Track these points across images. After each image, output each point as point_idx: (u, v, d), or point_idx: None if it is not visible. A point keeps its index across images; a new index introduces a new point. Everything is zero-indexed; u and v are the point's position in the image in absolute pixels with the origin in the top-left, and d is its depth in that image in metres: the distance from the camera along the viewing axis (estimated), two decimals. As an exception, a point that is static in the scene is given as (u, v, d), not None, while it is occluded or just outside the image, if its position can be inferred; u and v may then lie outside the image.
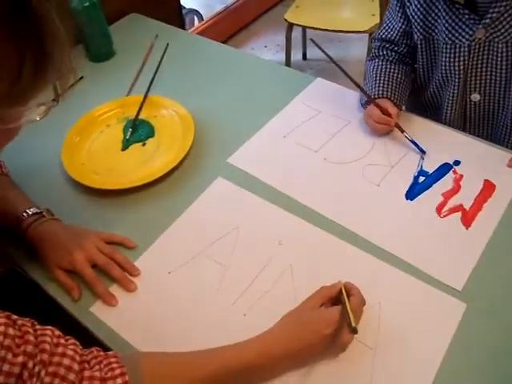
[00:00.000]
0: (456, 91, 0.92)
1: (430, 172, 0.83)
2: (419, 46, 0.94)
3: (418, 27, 0.91)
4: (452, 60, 0.89)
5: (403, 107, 0.95)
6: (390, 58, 0.97)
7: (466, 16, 0.83)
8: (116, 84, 1.08)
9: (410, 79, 0.99)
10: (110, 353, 0.55)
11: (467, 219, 0.76)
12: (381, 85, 0.92)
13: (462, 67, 0.88)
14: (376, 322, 0.64)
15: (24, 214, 0.74)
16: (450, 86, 0.93)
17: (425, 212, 0.77)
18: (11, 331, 0.47)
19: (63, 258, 0.71)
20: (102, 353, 0.54)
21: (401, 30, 0.96)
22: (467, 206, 0.77)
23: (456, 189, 0.80)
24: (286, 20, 1.92)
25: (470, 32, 0.84)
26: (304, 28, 2.22)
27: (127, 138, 0.92)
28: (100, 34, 1.13)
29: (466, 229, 0.74)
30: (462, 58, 0.88)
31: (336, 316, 0.59)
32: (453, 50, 0.88)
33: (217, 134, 0.94)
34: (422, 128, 0.91)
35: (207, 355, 0.59)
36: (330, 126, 0.94)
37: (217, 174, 0.86)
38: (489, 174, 0.82)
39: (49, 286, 0.72)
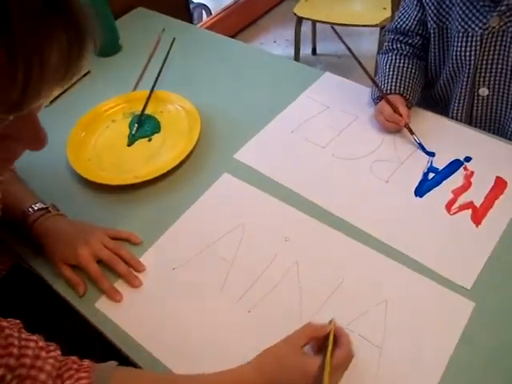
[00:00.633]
0: (465, 84, 0.91)
1: (440, 168, 0.82)
2: (432, 36, 0.92)
3: (432, 15, 0.89)
4: (463, 49, 0.87)
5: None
6: (404, 52, 0.95)
7: (481, 3, 0.82)
8: (122, 79, 1.07)
9: (423, 74, 0.97)
10: (83, 365, 0.54)
11: (477, 217, 0.74)
12: (393, 80, 0.90)
13: (472, 57, 0.87)
14: (383, 320, 0.63)
15: (30, 209, 0.74)
16: (459, 78, 0.92)
17: (434, 209, 0.76)
18: None
19: (68, 254, 0.71)
20: (75, 365, 0.54)
21: (416, 19, 0.94)
22: (478, 204, 0.76)
23: (466, 186, 0.79)
24: (295, 14, 1.90)
25: (484, 20, 0.82)
26: (314, 22, 2.20)
27: (133, 133, 0.92)
28: (106, 29, 1.12)
29: (476, 226, 0.73)
30: (473, 48, 0.86)
31: (312, 369, 0.53)
32: (465, 39, 0.86)
33: (223, 130, 0.93)
34: (433, 123, 0.90)
35: (177, 382, 0.58)
36: (338, 122, 0.92)
37: (223, 169, 0.86)
38: (500, 171, 0.80)
39: (54, 281, 0.72)
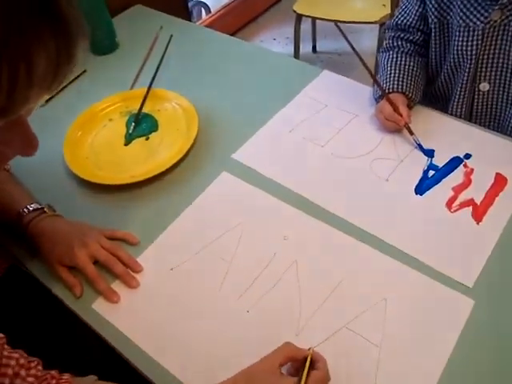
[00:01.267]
0: (466, 79, 0.90)
1: (440, 166, 0.81)
2: (433, 31, 0.91)
3: (433, 10, 0.88)
4: (464, 44, 0.86)
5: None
6: (405, 50, 0.94)
7: None
8: (119, 77, 1.06)
9: (425, 72, 0.96)
10: (63, 378, 0.54)
11: (478, 214, 0.73)
12: (395, 78, 0.89)
13: (474, 52, 0.86)
14: (382, 319, 0.62)
15: (25, 209, 0.73)
16: (460, 73, 0.91)
17: (435, 207, 0.75)
18: None
19: (65, 255, 0.70)
20: (54, 380, 0.54)
21: (417, 14, 0.93)
22: (478, 201, 0.75)
23: (467, 183, 0.78)
24: (294, 11, 1.89)
25: (486, 14, 0.82)
26: (313, 20, 2.19)
27: (130, 132, 0.91)
28: (103, 27, 1.11)
29: (477, 224, 0.72)
30: (474, 42, 0.85)
31: None
32: (466, 34, 0.85)
33: (221, 128, 0.93)
34: (432, 120, 0.89)
35: None
36: (336, 120, 0.91)
37: (221, 168, 0.85)
38: (500, 167, 0.79)
39: (50, 282, 0.71)
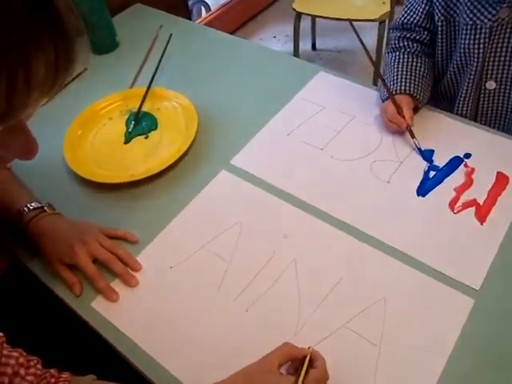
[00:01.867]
0: (472, 78, 0.89)
1: (441, 166, 0.80)
2: (439, 29, 0.91)
3: (440, 8, 0.88)
4: (472, 42, 0.85)
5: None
6: (412, 50, 0.93)
7: None
8: (119, 76, 1.06)
9: (432, 73, 0.95)
10: (62, 377, 0.54)
11: (481, 214, 0.73)
12: (402, 79, 0.88)
13: (481, 50, 0.85)
14: (381, 318, 0.63)
15: (25, 208, 0.73)
16: (466, 71, 0.90)
17: (437, 208, 0.75)
18: None
19: (64, 253, 0.70)
20: (53, 379, 0.54)
21: (424, 12, 0.92)
22: (481, 201, 0.75)
23: (468, 183, 0.78)
24: (293, 9, 1.89)
25: (493, 12, 0.81)
26: (313, 17, 2.19)
27: (130, 130, 0.91)
28: (103, 26, 1.11)
29: (481, 224, 0.72)
30: (482, 41, 0.84)
31: None
32: (473, 32, 0.84)
33: (221, 127, 0.93)
34: (430, 119, 0.89)
35: None
36: (335, 122, 0.90)
37: (221, 167, 0.85)
38: (501, 166, 0.79)
39: (50, 281, 0.72)
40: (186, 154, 0.86)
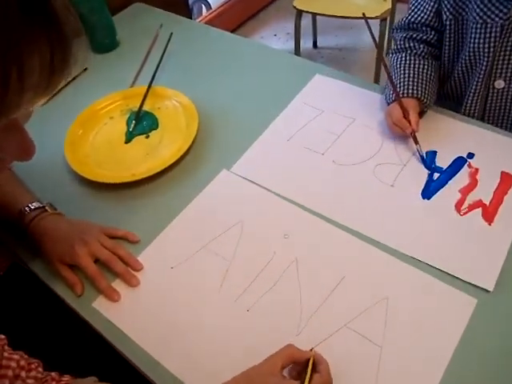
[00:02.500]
0: (481, 77, 0.88)
1: (444, 168, 0.80)
2: (447, 28, 0.89)
3: (448, 6, 0.87)
4: (482, 41, 0.84)
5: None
6: (419, 52, 0.92)
7: None
8: (120, 75, 1.06)
9: (438, 75, 0.94)
10: (63, 380, 0.54)
11: (489, 215, 0.72)
12: (409, 82, 0.86)
13: (491, 49, 0.84)
14: (383, 318, 0.62)
15: (26, 208, 0.73)
16: (475, 71, 0.89)
17: (444, 211, 0.74)
18: None
19: (65, 253, 0.70)
20: (54, 382, 0.53)
21: (433, 10, 0.91)
22: (487, 201, 0.74)
23: (473, 184, 0.77)
24: (294, 7, 1.88)
25: (505, 10, 0.80)
26: (314, 15, 2.18)
27: (130, 130, 0.91)
28: (103, 25, 1.11)
29: (489, 225, 0.71)
30: (492, 39, 0.83)
31: None
32: (483, 31, 0.83)
33: (222, 126, 0.92)
34: (432, 119, 0.88)
35: None
36: (334, 126, 0.89)
37: (221, 166, 0.85)
38: (505, 165, 0.78)
39: (51, 281, 0.72)
40: (186, 153, 0.86)
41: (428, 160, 0.81)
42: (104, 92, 0.99)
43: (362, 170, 0.82)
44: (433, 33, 0.93)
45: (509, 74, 0.87)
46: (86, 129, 0.93)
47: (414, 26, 0.94)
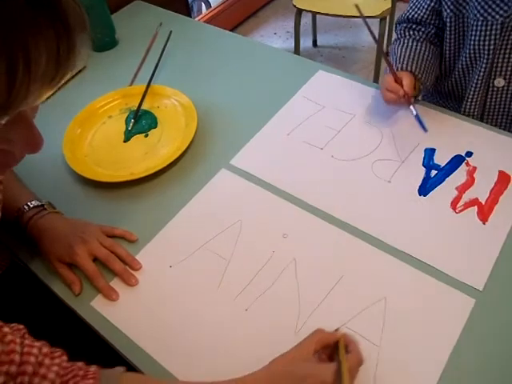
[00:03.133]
0: (482, 75, 0.88)
1: (442, 165, 0.80)
2: (448, 25, 0.90)
3: (449, 3, 0.87)
4: (482, 38, 0.85)
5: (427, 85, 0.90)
6: (417, 37, 0.93)
7: None
8: (119, 74, 1.06)
9: (437, 60, 0.94)
10: (90, 371, 0.52)
11: (484, 213, 0.73)
12: (404, 59, 0.87)
13: (491, 46, 0.85)
14: (381, 318, 0.62)
15: (25, 206, 0.73)
16: (475, 68, 0.89)
17: (439, 208, 0.74)
18: None
19: (64, 252, 0.70)
20: (81, 372, 0.52)
21: (429, 8, 0.92)
22: (483, 200, 0.74)
23: (470, 182, 0.77)
24: (294, 6, 1.88)
25: (505, 7, 0.80)
26: (314, 14, 2.18)
27: (129, 129, 0.91)
28: (102, 23, 1.11)
29: (483, 223, 0.71)
30: (492, 37, 0.84)
31: (330, 375, 0.51)
32: (484, 28, 0.83)
33: (221, 125, 0.92)
34: (432, 118, 0.88)
35: None
36: (334, 121, 0.90)
37: (220, 165, 0.85)
38: (503, 165, 0.79)
39: (49, 279, 0.72)
40: (185, 152, 0.86)
41: (426, 157, 0.82)
42: (103, 91, 0.98)
43: (360, 165, 0.82)
44: (431, 27, 0.94)
45: (509, 73, 0.87)
46: (84, 128, 0.92)
47: (413, 21, 0.95)
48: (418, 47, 0.90)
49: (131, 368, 0.62)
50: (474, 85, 0.91)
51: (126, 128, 0.92)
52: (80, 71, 1.06)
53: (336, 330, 0.58)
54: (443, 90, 1.01)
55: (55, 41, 0.33)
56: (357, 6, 0.88)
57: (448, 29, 0.91)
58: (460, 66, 0.93)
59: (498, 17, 0.81)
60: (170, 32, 1.11)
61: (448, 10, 0.88)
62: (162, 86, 0.99)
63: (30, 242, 0.73)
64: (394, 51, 0.93)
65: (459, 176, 0.78)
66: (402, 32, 0.96)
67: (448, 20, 0.89)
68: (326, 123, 0.90)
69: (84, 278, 0.70)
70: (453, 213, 0.73)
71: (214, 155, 0.87)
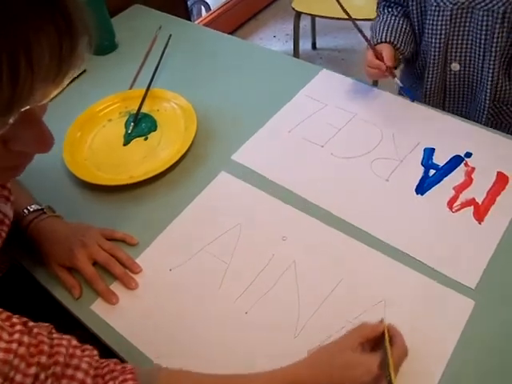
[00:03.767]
0: (437, 58, 0.93)
1: (441, 165, 0.80)
2: (412, 11, 0.95)
3: None
4: (435, 23, 0.89)
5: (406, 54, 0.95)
6: (395, 13, 0.98)
7: None
8: (118, 77, 1.06)
9: (413, 32, 0.98)
10: (127, 367, 0.52)
11: (480, 214, 0.73)
12: (381, 32, 0.93)
13: (443, 32, 0.89)
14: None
15: (25, 210, 0.74)
16: (432, 52, 0.93)
17: (436, 207, 0.75)
18: (26, 339, 0.45)
19: (64, 255, 0.70)
20: (119, 367, 0.51)
21: None
22: (480, 200, 0.75)
23: (468, 182, 0.78)
24: (293, 8, 1.88)
25: None
26: (313, 17, 2.18)
27: (129, 132, 0.91)
28: (102, 27, 1.11)
29: (479, 223, 0.72)
30: (443, 23, 0.88)
31: (376, 365, 0.52)
32: (436, 13, 0.88)
33: (220, 128, 0.93)
34: (432, 118, 0.88)
35: (230, 381, 0.55)
36: (336, 120, 0.91)
37: (220, 168, 0.85)
38: (502, 166, 0.79)
39: (49, 283, 0.72)
40: (185, 155, 0.86)
41: (425, 157, 0.82)
42: (103, 94, 0.99)
43: (360, 163, 0.83)
44: (408, 6, 0.98)
45: (463, 58, 0.92)
46: (84, 131, 0.93)
47: (390, 0, 1.01)
48: (396, 21, 0.95)
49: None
50: (430, 66, 0.95)
51: (126, 131, 0.92)
52: (80, 74, 1.06)
53: (381, 320, 0.58)
54: (413, 70, 1.05)
55: (57, 37, 0.33)
56: (344, 10, 0.95)
57: (413, 13, 0.95)
58: (422, 49, 0.97)
59: (448, 4, 0.86)
60: (170, 35, 1.12)
61: None
62: (161, 89, 0.99)
63: (29, 245, 0.73)
64: (374, 28, 0.98)
65: (457, 176, 0.79)
66: (381, 10, 1.01)
67: (412, 4, 0.94)
68: (328, 121, 0.91)
69: (84, 281, 0.70)
70: (449, 212, 0.74)
71: (214, 158, 0.87)
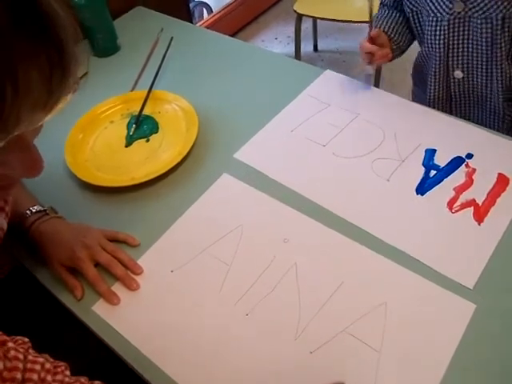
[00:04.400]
0: (438, 66, 0.93)
1: (442, 166, 0.81)
2: (410, 19, 0.96)
3: (407, 1, 0.94)
4: (433, 33, 0.90)
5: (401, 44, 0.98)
6: (392, 9, 1.00)
7: None
8: (120, 79, 1.07)
9: (408, 25, 1.00)
10: None
11: (479, 215, 0.73)
12: (378, 23, 0.96)
13: (442, 41, 0.89)
14: (382, 323, 0.62)
15: (27, 211, 0.74)
16: (433, 60, 0.94)
17: (436, 207, 0.75)
18: (1, 365, 0.46)
19: (66, 256, 0.70)
20: None
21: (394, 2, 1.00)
22: (480, 201, 0.75)
23: (468, 183, 0.78)
24: (295, 11, 1.89)
25: (450, 5, 0.85)
26: (314, 19, 2.19)
27: (130, 134, 0.91)
28: (104, 29, 1.11)
29: (479, 224, 0.72)
30: (442, 32, 0.88)
31: None
32: (434, 23, 0.89)
33: (222, 130, 0.93)
34: (434, 120, 0.89)
35: None
36: (338, 120, 0.91)
37: (222, 170, 0.85)
38: (503, 167, 0.79)
39: (51, 284, 0.72)
40: (186, 157, 0.86)
41: (427, 157, 0.83)
42: (104, 96, 0.99)
43: (361, 163, 0.83)
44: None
45: (465, 65, 0.91)
46: (86, 133, 0.93)
47: (386, 4, 1.03)
48: (390, 12, 0.98)
49: (131, 371, 0.63)
50: (433, 74, 0.95)
51: (128, 133, 0.92)
52: (82, 77, 1.06)
53: None
54: (421, 78, 1.06)
55: (47, 64, 0.32)
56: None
57: (411, 21, 0.96)
58: (422, 55, 0.99)
59: (444, 14, 0.86)
60: (172, 38, 1.12)
61: (406, 6, 0.94)
62: (163, 91, 0.99)
63: (31, 246, 0.73)
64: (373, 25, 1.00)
65: (458, 177, 0.79)
66: (380, 11, 1.03)
67: (409, 16, 0.95)
68: (330, 121, 0.91)
69: (85, 282, 0.70)
70: (449, 213, 0.74)
71: (215, 160, 0.87)
